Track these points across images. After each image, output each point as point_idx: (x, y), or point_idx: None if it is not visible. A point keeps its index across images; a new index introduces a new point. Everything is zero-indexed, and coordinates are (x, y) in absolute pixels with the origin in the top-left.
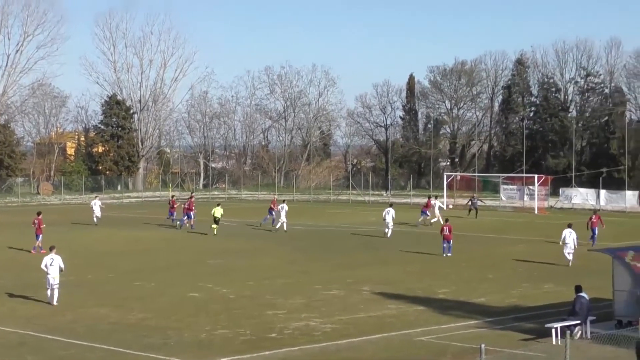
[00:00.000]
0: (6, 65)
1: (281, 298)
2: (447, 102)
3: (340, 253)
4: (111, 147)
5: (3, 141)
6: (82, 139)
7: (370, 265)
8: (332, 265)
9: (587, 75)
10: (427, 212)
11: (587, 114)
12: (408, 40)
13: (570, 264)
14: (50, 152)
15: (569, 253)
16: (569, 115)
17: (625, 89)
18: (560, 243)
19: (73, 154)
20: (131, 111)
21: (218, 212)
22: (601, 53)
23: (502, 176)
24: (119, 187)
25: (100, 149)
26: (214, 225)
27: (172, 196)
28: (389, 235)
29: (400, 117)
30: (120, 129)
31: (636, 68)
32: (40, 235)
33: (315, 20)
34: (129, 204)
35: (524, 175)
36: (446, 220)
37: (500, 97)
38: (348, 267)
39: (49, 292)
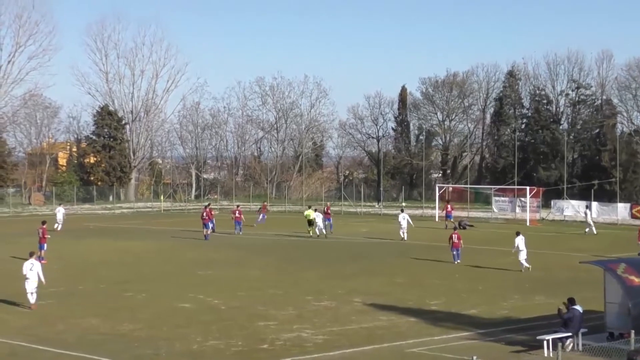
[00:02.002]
0: None
1: (272, 309)
2: (439, 113)
3: (331, 263)
4: (103, 158)
5: None
6: (74, 149)
7: (361, 276)
8: (323, 276)
9: (578, 87)
10: (452, 215)
11: (579, 126)
12: (400, 52)
13: (530, 269)
14: (42, 163)
15: (524, 259)
16: (560, 127)
17: (616, 101)
18: (513, 251)
19: (65, 164)
20: (123, 122)
21: (312, 214)
22: (592, 65)
23: (494, 188)
24: (110, 198)
25: (92, 160)
26: (310, 228)
27: (208, 205)
28: (405, 238)
29: (392, 129)
30: (112, 139)
31: (627, 80)
32: (45, 245)
33: (307, 31)
34: (120, 215)
35: (516, 187)
36: (454, 228)
37: (492, 108)
38: (339, 277)
39: (29, 296)
